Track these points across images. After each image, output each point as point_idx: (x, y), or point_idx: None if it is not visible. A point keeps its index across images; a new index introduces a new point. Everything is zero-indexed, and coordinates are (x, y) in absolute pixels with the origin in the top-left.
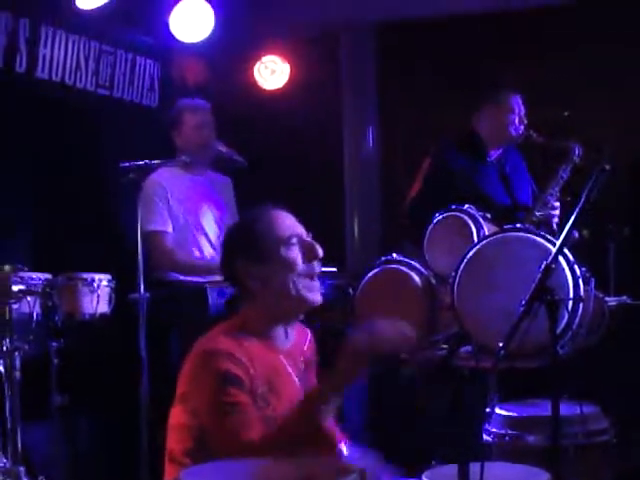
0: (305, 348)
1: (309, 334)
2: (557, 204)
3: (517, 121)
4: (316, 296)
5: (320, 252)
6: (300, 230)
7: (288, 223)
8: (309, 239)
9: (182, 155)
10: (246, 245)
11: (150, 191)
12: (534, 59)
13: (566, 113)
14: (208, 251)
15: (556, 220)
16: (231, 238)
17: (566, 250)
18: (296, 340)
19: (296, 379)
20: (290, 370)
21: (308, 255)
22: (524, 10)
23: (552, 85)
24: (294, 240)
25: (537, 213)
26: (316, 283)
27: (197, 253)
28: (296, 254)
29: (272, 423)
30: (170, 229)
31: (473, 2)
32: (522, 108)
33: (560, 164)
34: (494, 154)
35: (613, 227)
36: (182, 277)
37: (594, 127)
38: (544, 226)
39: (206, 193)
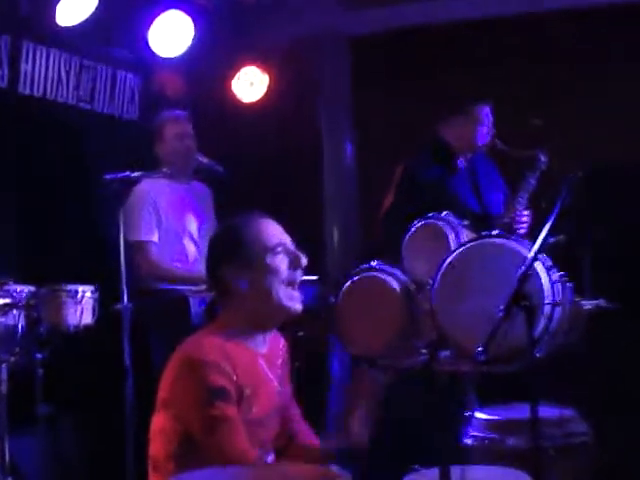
0: (280, 353)
1: (282, 341)
2: (526, 212)
3: (485, 131)
4: (296, 305)
5: (304, 261)
6: (286, 239)
7: (274, 232)
8: (294, 248)
9: (164, 166)
10: (233, 251)
11: (137, 200)
12: (507, 69)
13: (537, 121)
14: (195, 257)
15: (524, 226)
16: (218, 243)
17: (542, 255)
18: (272, 345)
19: (275, 381)
20: (269, 373)
21: (293, 263)
22: (495, 20)
23: (524, 95)
24: (280, 249)
25: (506, 220)
26: (297, 293)
27: (182, 260)
28: (281, 262)
29: (253, 426)
30: (156, 238)
31: (447, 12)
32: (490, 118)
33: (527, 172)
34: (463, 162)
35: (589, 232)
36: (165, 286)
37: (565, 136)
38: (512, 232)
39: (189, 201)
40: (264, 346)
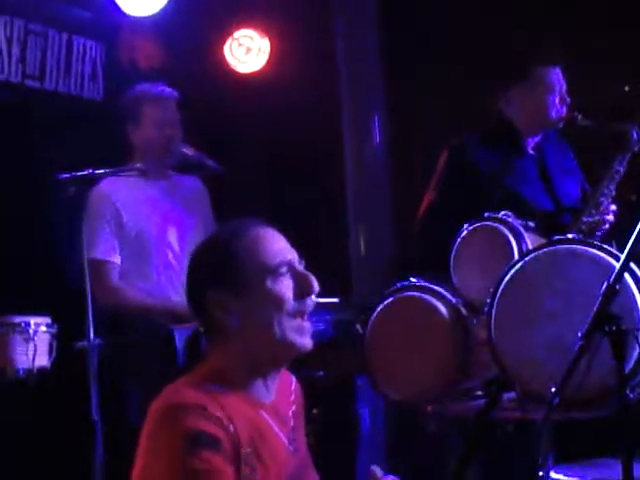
0: (291, 399)
1: (294, 382)
2: (613, 207)
3: (558, 101)
4: (306, 340)
5: (316, 286)
6: (292, 256)
7: (277, 247)
8: (302, 269)
9: (138, 157)
10: (221, 273)
11: (94, 207)
12: (582, 18)
13: (626, 88)
14: (176, 277)
15: (608, 227)
16: (201, 261)
17: (634, 266)
18: (279, 390)
19: (285, 440)
20: (276, 429)
21: (300, 289)
22: None
23: (606, 52)
24: (284, 269)
25: (586, 219)
26: (307, 324)
27: (162, 283)
28: (286, 288)
29: None
30: (117, 259)
31: None
32: (563, 84)
33: (615, 154)
34: (531, 144)
35: None
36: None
37: None
38: (593, 235)
39: (168, 203)
40: (267, 395)
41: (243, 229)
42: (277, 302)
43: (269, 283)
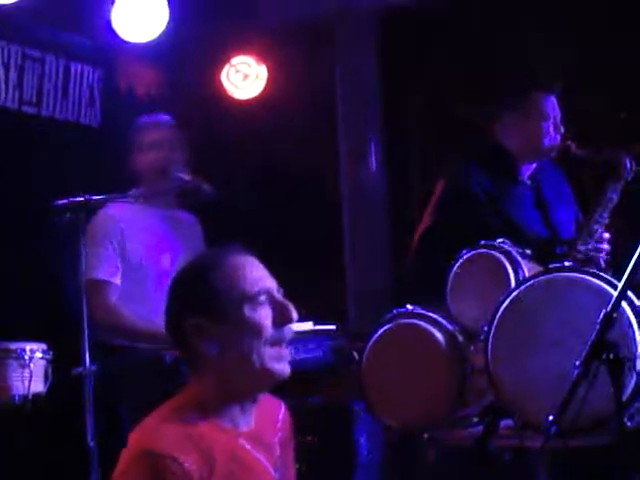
0: (277, 426)
1: (282, 410)
2: (607, 235)
3: (552, 129)
4: (284, 367)
5: (295, 315)
6: (271, 284)
7: (256, 275)
8: (281, 297)
9: (140, 184)
10: (200, 300)
11: (101, 228)
12: (576, 40)
13: (622, 115)
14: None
15: (604, 255)
16: (180, 289)
17: (631, 294)
18: (263, 417)
19: (269, 467)
20: (258, 456)
21: (279, 318)
22: None
23: (601, 77)
24: (263, 298)
25: (581, 247)
26: (285, 351)
27: (152, 307)
28: (265, 316)
29: None
30: (118, 280)
31: None
32: (558, 112)
33: (609, 182)
34: (526, 172)
35: None
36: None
37: None
38: (590, 264)
39: (165, 231)
40: (246, 422)
41: (223, 257)
42: (256, 330)
43: (248, 311)
